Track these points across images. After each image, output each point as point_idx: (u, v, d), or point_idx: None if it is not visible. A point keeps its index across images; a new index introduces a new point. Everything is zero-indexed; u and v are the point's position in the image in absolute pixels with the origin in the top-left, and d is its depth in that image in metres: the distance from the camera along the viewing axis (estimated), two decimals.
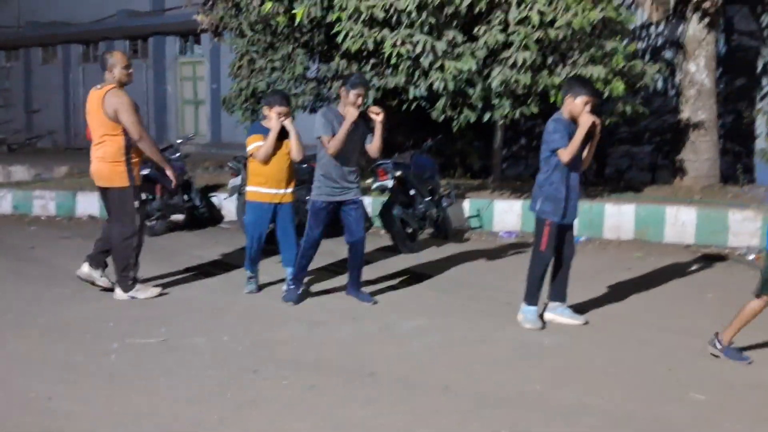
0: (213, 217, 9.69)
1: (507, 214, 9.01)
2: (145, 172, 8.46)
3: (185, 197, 9.20)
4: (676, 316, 5.42)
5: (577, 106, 4.92)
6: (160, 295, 5.94)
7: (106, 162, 5.68)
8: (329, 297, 6.02)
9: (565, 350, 4.73)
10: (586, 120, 4.86)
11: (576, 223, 8.45)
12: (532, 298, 5.20)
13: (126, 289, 5.85)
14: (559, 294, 5.30)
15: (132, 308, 5.65)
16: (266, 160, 5.90)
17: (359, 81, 5.54)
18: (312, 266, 6.06)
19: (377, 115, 5.42)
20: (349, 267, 5.89)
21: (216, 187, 10.15)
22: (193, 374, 4.25)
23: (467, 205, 9.17)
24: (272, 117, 5.87)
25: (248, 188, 6.05)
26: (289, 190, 6.03)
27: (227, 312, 5.59)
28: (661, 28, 11.97)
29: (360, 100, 5.47)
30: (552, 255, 5.17)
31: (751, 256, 7.55)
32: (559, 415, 3.70)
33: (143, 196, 8.40)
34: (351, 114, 5.41)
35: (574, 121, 4.96)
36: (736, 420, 3.67)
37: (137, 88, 17.08)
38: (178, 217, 9.28)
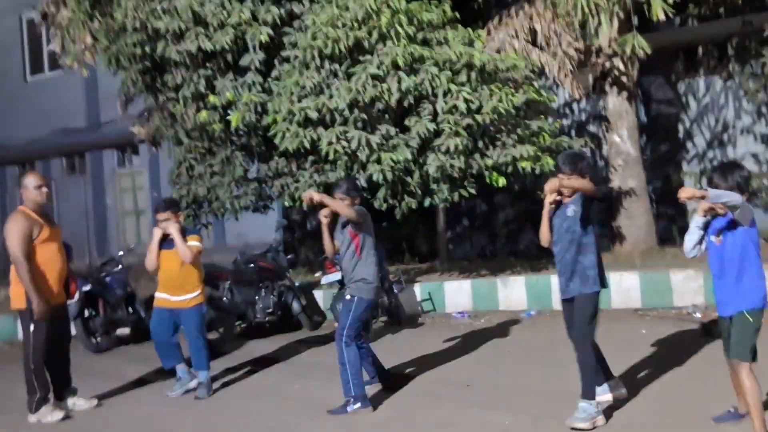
0: None
1: (458, 294, 9.06)
2: (87, 288, 8.28)
3: (129, 310, 8.97)
4: (634, 383, 5.44)
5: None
6: (65, 418, 5.69)
7: (12, 283, 5.64)
8: (289, 396, 5.87)
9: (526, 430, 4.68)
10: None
11: (525, 297, 8.70)
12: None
13: (31, 411, 5.66)
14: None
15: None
16: (153, 269, 5.97)
17: (338, 186, 5.56)
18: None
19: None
20: None
21: None
22: None
23: (418, 289, 9.18)
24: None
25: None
26: (190, 295, 6.00)
27: (177, 428, 5.39)
28: (583, 104, 12.58)
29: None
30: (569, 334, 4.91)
31: (698, 314, 7.71)
32: None
33: (86, 312, 8.32)
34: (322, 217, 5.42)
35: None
36: None
37: (76, 203, 16.93)
38: (124, 331, 9.00)
